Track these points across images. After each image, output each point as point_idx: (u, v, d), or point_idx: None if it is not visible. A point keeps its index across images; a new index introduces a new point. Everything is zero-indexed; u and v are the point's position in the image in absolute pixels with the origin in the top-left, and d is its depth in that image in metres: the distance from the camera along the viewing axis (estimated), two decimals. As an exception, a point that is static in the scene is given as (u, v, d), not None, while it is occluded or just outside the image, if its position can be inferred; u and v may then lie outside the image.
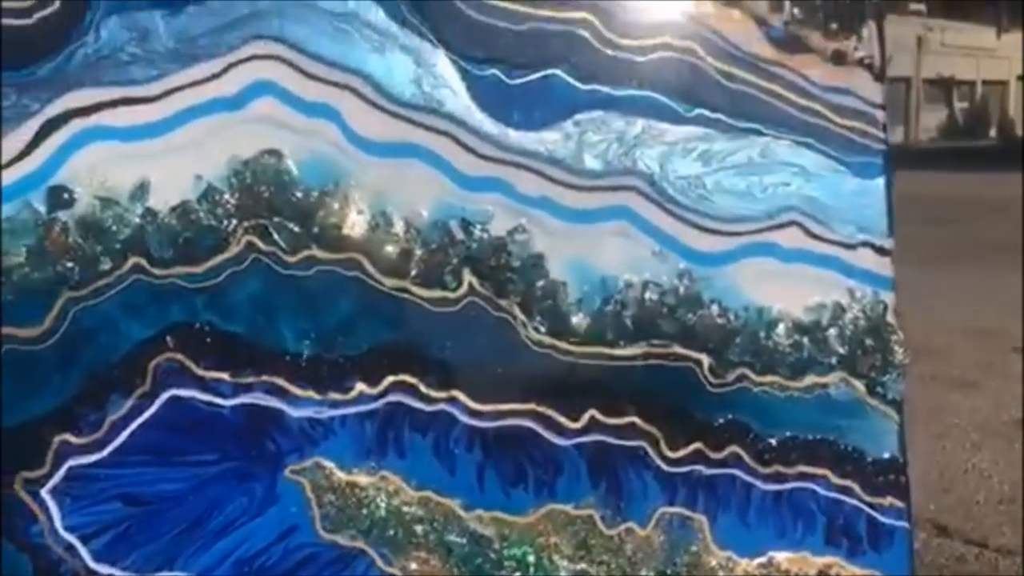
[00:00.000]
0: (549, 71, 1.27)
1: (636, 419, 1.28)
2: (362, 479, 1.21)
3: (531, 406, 1.26)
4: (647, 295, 1.28)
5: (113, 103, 1.16)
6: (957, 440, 3.54)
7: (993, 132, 32.52)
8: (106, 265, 1.15)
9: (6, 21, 1.13)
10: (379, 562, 1.22)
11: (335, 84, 1.21)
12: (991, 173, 14.62)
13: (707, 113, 1.31)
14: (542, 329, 1.25)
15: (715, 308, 1.29)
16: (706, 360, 1.29)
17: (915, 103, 31.51)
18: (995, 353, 4.64)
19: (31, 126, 1.14)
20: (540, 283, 1.25)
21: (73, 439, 1.15)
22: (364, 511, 1.20)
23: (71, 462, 1.14)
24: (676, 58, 1.30)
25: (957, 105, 34.41)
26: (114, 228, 1.15)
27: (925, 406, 3.72)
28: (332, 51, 1.21)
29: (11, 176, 1.14)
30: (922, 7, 34.67)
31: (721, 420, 1.30)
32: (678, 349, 1.29)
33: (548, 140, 1.27)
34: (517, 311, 1.25)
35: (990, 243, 7.81)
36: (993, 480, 3.18)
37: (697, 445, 1.29)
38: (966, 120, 33.72)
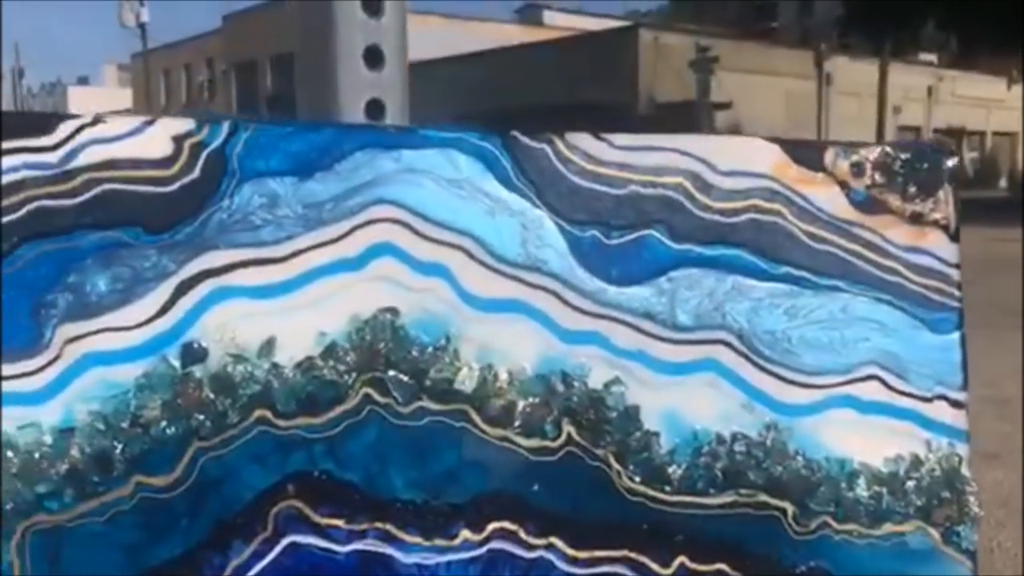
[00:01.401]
0: (646, 231, 1.35)
1: (723, 566, 1.34)
2: (465, 624, 1.27)
3: (624, 552, 1.32)
4: (736, 447, 1.34)
5: (244, 264, 1.24)
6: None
7: (1003, 183, 32.69)
8: (234, 418, 1.23)
9: (153, 189, 1.22)
10: None
11: (448, 245, 1.29)
12: (1001, 228, 14.64)
13: (793, 271, 1.38)
14: (636, 479, 1.32)
15: (800, 459, 1.35)
16: (791, 509, 1.35)
17: (925, 152, 31.59)
18: (1015, 423, 4.64)
19: (169, 285, 1.22)
20: (635, 434, 1.32)
21: (198, 584, 1.21)
22: (466, 656, 1.26)
23: (196, 606, 1.21)
24: (764, 219, 1.37)
25: (967, 155, 34.62)
26: (243, 383, 1.23)
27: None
28: (446, 215, 1.30)
29: (149, 333, 1.21)
30: (933, 58, 35.02)
31: (803, 567, 1.35)
32: (764, 498, 1.35)
33: (643, 296, 1.34)
34: (612, 460, 1.32)
35: (1005, 304, 7.79)
36: (1019, 559, 3.18)
37: (781, 591, 1.35)
38: (976, 170, 33.91)
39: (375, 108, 1.41)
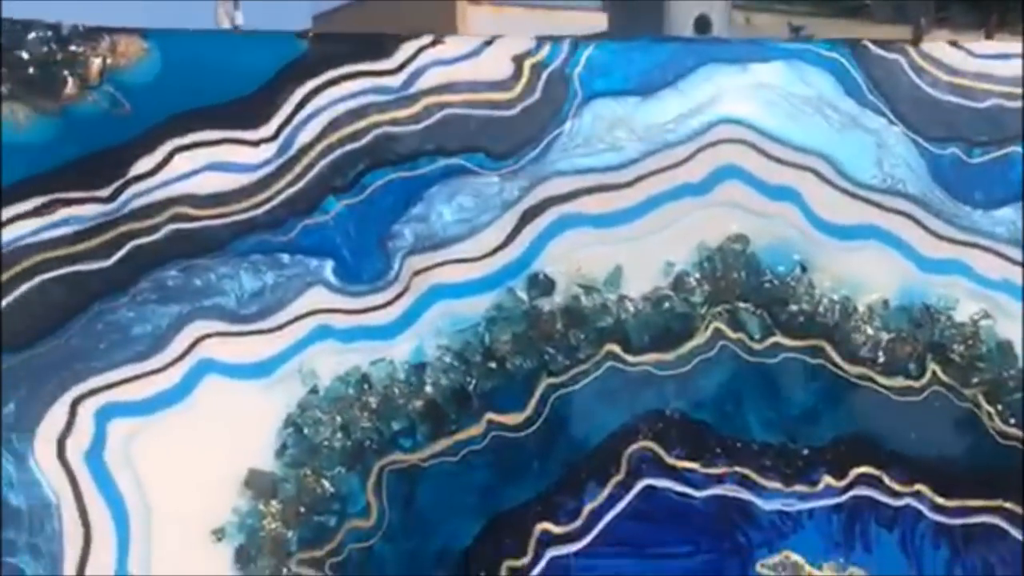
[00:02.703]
0: (1010, 148, 1.21)
1: (1107, 517, 1.20)
2: (831, 575, 1.17)
3: (998, 502, 1.19)
4: (1117, 385, 1.20)
5: (588, 190, 1.16)
6: None
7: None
8: (584, 352, 1.15)
9: (495, 112, 1.15)
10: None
11: (798, 167, 1.19)
12: None
13: None
14: (1011, 421, 1.19)
15: None
16: None
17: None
18: None
19: (514, 213, 1.15)
20: (1008, 372, 1.19)
21: (553, 528, 1.14)
22: (837, 610, 1.16)
23: (552, 552, 1.14)
24: None
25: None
26: (594, 316, 1.15)
27: None
28: (795, 134, 1.19)
29: (495, 264, 1.15)
30: (1043, 26, 33.22)
31: None
32: None
33: (1008, 219, 1.21)
34: (982, 401, 1.19)
35: None
36: None
37: None
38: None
39: (703, 23, 1.32)
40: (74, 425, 1.07)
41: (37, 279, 1.08)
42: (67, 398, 1.08)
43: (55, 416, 1.07)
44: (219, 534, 1.09)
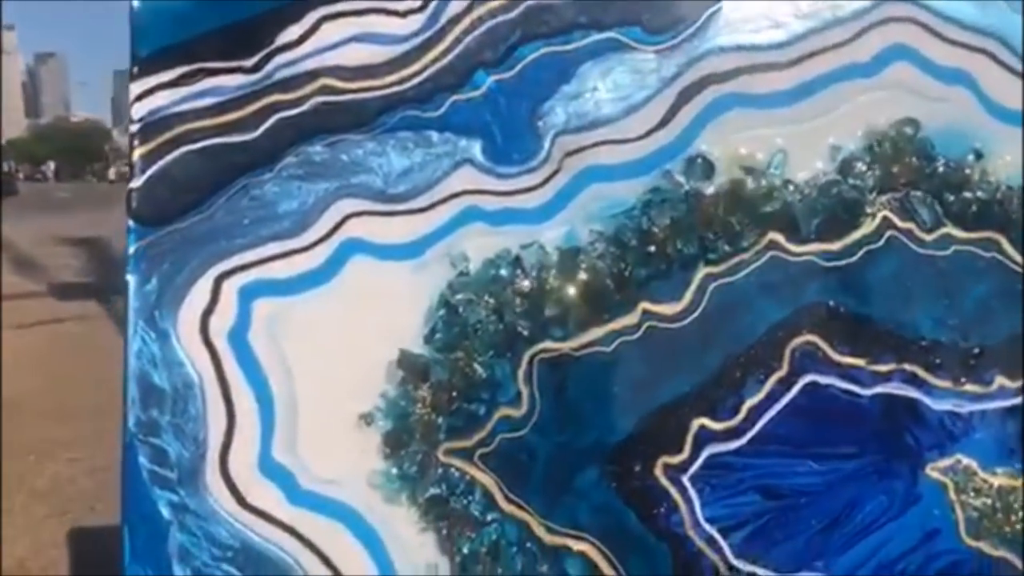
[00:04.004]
0: None
1: None
2: (1006, 482, 1.10)
3: None
4: None
5: (748, 69, 1.09)
6: None
7: None
8: (746, 240, 1.09)
9: (653, -17, 1.09)
10: None
11: (971, 48, 1.11)
12: None
13: None
14: None
15: None
16: None
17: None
18: None
19: (670, 93, 1.09)
20: None
21: (712, 424, 1.08)
22: (1012, 517, 1.09)
23: (710, 449, 1.08)
24: None
25: None
26: (757, 200, 1.09)
27: None
28: (968, 13, 1.11)
29: (652, 145, 1.09)
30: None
31: None
32: None
33: None
34: None
35: None
36: None
37: None
38: None
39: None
40: (218, 303, 1.03)
41: (179, 151, 1.04)
42: (211, 274, 1.03)
43: (198, 293, 1.03)
44: (367, 418, 1.04)
